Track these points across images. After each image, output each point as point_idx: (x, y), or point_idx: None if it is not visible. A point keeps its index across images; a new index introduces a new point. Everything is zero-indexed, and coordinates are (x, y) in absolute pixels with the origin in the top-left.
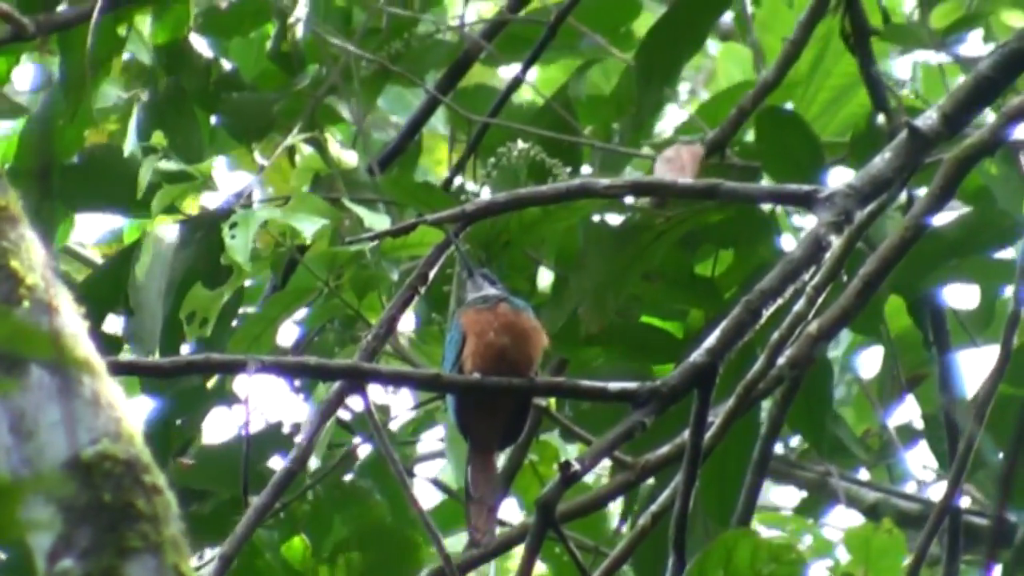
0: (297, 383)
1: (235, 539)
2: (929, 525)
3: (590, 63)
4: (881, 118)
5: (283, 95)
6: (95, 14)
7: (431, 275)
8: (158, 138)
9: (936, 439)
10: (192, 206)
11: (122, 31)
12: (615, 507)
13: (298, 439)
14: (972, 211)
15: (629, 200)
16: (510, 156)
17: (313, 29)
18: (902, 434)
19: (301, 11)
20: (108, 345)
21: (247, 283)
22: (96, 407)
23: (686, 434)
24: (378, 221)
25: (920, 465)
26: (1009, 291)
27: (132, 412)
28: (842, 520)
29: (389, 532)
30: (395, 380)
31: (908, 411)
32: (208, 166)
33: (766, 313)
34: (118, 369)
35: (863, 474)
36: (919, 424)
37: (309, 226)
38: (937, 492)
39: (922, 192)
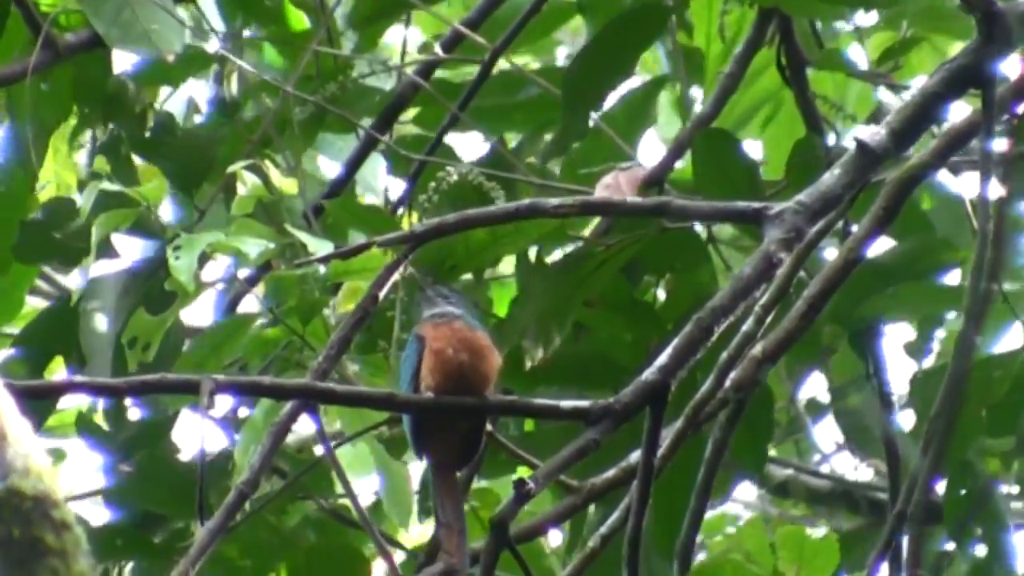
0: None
1: (189, 560)
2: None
3: (544, 127)
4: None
5: (220, 140)
6: (30, 68)
7: (381, 297)
8: (100, 163)
9: (842, 412)
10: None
11: (43, 86)
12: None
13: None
14: (911, 239)
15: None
16: (449, 181)
17: (251, 72)
18: (809, 409)
19: (237, 59)
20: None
21: None
22: (3, 443)
23: (632, 457)
24: (321, 247)
25: (826, 439)
26: (950, 318)
27: (40, 448)
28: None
29: (335, 547)
30: (349, 400)
31: (815, 386)
32: (149, 191)
33: (718, 330)
34: (73, 388)
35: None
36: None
37: (254, 248)
38: (839, 463)
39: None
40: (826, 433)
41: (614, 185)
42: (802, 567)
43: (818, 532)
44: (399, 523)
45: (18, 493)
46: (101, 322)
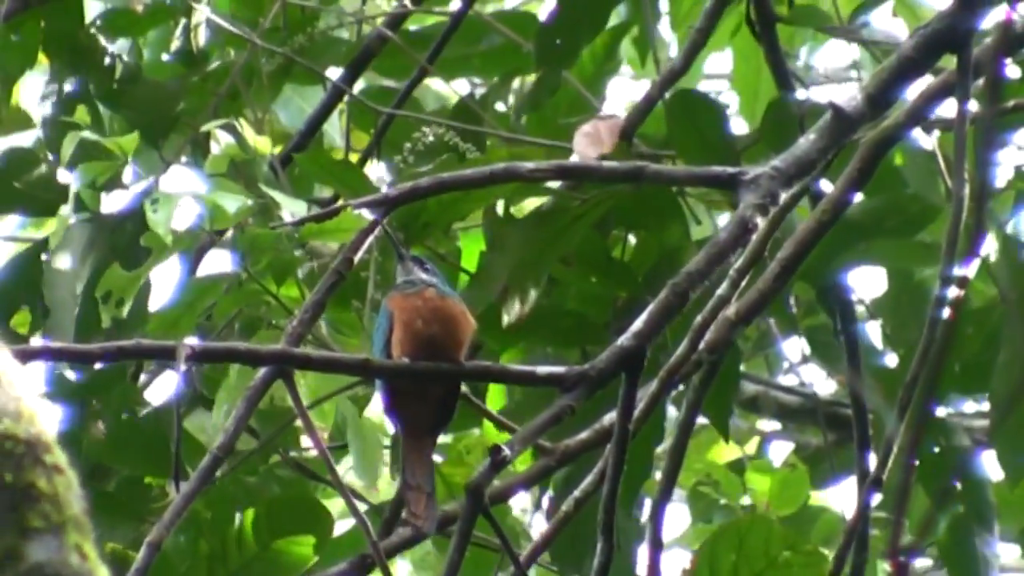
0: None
1: (162, 526)
2: (847, 535)
3: (511, 75)
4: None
5: (186, 91)
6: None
7: (356, 259)
8: (81, 114)
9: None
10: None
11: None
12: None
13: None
14: (881, 196)
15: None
16: (424, 141)
17: (217, 24)
18: (780, 324)
19: (205, 8)
20: (17, 341)
21: None
22: None
23: (605, 419)
24: (295, 206)
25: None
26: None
27: (32, 392)
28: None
29: (296, 498)
30: (325, 366)
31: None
32: (129, 142)
33: (693, 296)
34: (47, 354)
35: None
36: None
37: (232, 204)
38: (807, 374)
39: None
40: (794, 346)
41: (593, 133)
42: (771, 500)
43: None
44: (368, 483)
45: (11, 437)
46: (65, 275)
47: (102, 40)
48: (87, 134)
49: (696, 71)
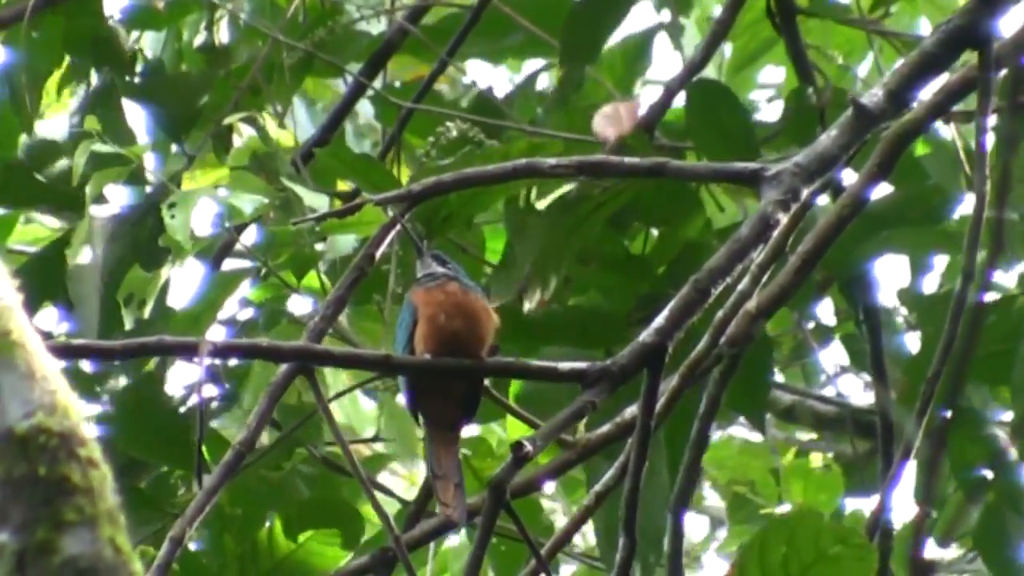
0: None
1: (185, 521)
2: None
3: (544, 67)
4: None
5: (209, 85)
6: (27, 14)
7: (377, 255)
8: (91, 122)
9: (850, 340)
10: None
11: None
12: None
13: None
14: (901, 187)
15: None
16: (448, 136)
17: (241, 18)
18: (816, 333)
19: (228, 3)
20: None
21: None
22: (31, 380)
23: (627, 413)
24: (317, 200)
25: (831, 362)
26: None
27: (67, 385)
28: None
29: (328, 500)
30: (346, 362)
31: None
32: (141, 149)
33: (715, 292)
34: (69, 352)
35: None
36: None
37: (249, 204)
38: (845, 385)
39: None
40: (831, 356)
41: (613, 115)
42: (805, 500)
43: (820, 461)
44: (405, 464)
45: (44, 430)
46: (91, 270)
47: (122, 33)
48: (99, 147)
49: (749, 82)
